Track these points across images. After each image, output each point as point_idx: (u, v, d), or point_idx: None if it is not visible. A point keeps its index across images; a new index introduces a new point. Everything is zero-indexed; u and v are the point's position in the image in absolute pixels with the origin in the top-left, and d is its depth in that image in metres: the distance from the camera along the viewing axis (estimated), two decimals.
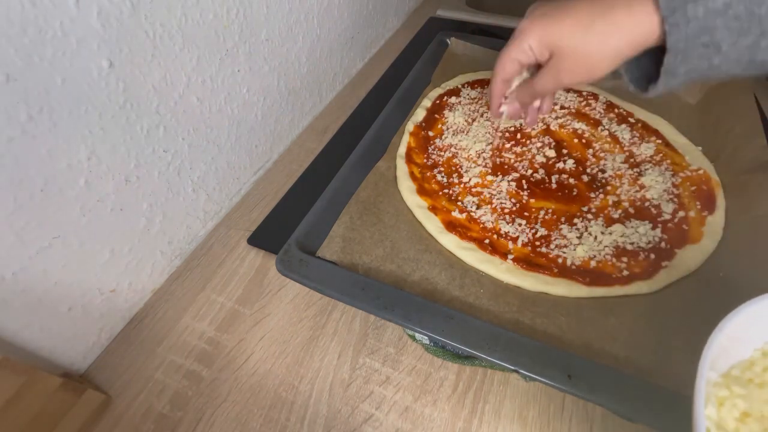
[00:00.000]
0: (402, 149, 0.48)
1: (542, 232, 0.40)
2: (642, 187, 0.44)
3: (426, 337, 0.35)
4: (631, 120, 0.52)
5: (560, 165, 0.47)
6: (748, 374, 0.23)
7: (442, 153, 0.49)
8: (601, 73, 0.32)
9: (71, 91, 0.29)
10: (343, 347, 0.38)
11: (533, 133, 0.51)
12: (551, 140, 0.50)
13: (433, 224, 0.41)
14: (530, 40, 0.34)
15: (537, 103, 0.42)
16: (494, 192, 0.44)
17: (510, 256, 0.38)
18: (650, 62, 0.31)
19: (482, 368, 0.36)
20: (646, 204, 0.43)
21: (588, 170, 0.46)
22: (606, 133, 0.50)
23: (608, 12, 0.30)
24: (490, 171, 0.47)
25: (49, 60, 0.27)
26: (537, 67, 0.37)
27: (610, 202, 0.43)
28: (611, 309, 0.35)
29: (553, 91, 0.37)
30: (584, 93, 0.56)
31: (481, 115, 0.53)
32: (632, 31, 0.29)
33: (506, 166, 0.47)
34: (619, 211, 0.42)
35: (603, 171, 0.46)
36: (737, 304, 0.23)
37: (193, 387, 0.36)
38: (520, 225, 0.41)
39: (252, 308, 0.41)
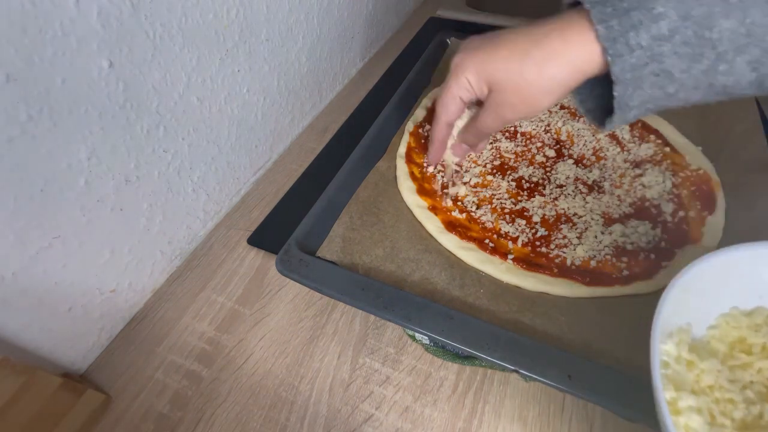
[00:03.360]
0: (402, 149, 0.48)
1: (542, 232, 0.40)
2: (642, 187, 0.44)
3: (426, 337, 0.35)
4: None
5: (560, 165, 0.47)
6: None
7: None
8: (544, 105, 0.30)
9: (71, 91, 0.29)
10: (343, 347, 0.38)
11: (533, 132, 0.51)
12: (551, 140, 0.50)
13: (433, 224, 0.41)
14: (467, 74, 0.32)
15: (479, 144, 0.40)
16: (494, 192, 0.44)
17: (510, 256, 0.38)
18: (604, 92, 0.29)
19: (482, 368, 0.36)
20: (646, 204, 0.43)
21: (588, 170, 0.46)
22: (606, 132, 0.50)
23: (543, 40, 0.28)
24: (490, 171, 0.47)
25: (49, 60, 0.27)
26: (478, 106, 0.35)
27: (610, 202, 0.43)
28: (611, 309, 0.35)
29: (498, 129, 0.35)
30: None
31: None
32: (571, 60, 0.27)
33: (506, 166, 0.47)
34: (619, 211, 0.42)
35: (603, 171, 0.46)
36: None
37: (193, 387, 0.36)
38: (520, 225, 0.41)
39: (252, 308, 0.41)
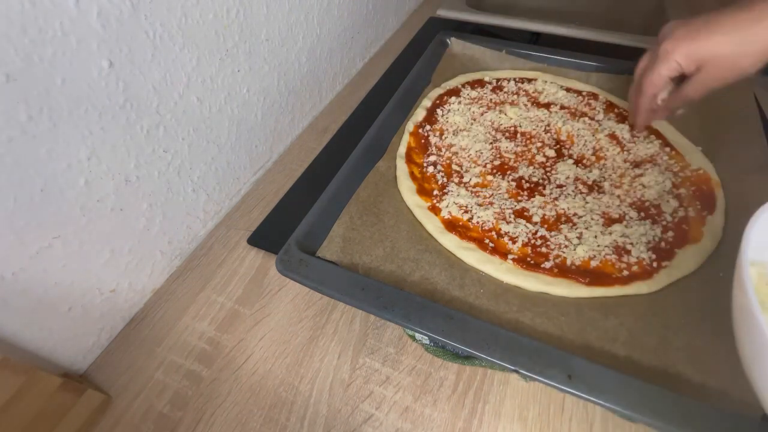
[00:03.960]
0: (402, 149, 0.48)
1: (542, 232, 0.40)
2: (642, 187, 0.44)
3: (426, 337, 0.35)
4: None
5: (560, 165, 0.47)
6: None
7: (442, 153, 0.49)
8: (748, 73, 0.37)
9: (71, 91, 0.29)
10: (343, 347, 0.38)
11: (533, 132, 0.51)
12: (551, 140, 0.50)
13: (433, 224, 0.41)
14: (678, 58, 0.38)
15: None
16: (494, 192, 0.44)
17: (510, 256, 0.38)
18: None
19: (482, 368, 0.36)
20: (646, 204, 0.43)
21: (588, 170, 0.46)
22: (606, 132, 0.50)
23: (756, 24, 0.35)
24: (490, 171, 0.47)
25: (49, 60, 0.27)
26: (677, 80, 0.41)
27: (610, 202, 0.43)
28: (611, 309, 0.35)
29: (702, 96, 0.41)
30: (584, 93, 0.56)
31: (481, 115, 0.53)
32: None
33: (506, 166, 0.47)
34: (619, 211, 0.42)
35: (603, 171, 0.46)
36: None
37: (193, 387, 0.36)
38: (519, 225, 0.41)
39: (252, 308, 0.41)
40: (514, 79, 0.58)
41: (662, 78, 0.41)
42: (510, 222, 0.41)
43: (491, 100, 0.55)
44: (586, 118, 0.52)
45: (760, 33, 0.35)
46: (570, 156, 0.48)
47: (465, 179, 0.45)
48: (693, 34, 0.38)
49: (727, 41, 0.36)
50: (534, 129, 0.51)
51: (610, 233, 0.40)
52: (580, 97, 0.55)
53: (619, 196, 0.43)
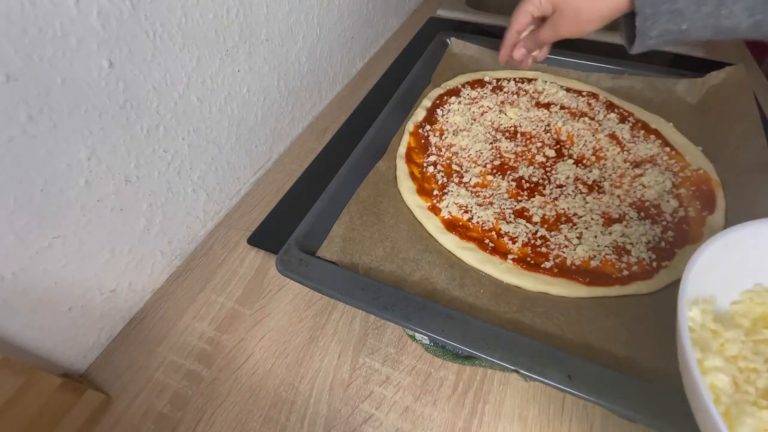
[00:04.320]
0: (402, 149, 0.48)
1: (542, 232, 0.40)
2: (642, 187, 0.44)
3: (426, 337, 0.35)
4: (631, 120, 0.52)
5: (560, 165, 0.47)
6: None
7: (442, 153, 0.49)
8: (589, 29, 0.41)
9: (71, 91, 0.29)
10: (343, 347, 0.38)
11: (533, 132, 0.51)
12: (551, 140, 0.50)
13: (433, 224, 0.41)
14: None
15: (536, 53, 0.51)
16: (494, 192, 0.44)
17: (510, 256, 0.38)
18: (632, 26, 0.39)
19: (482, 368, 0.36)
20: (646, 204, 0.43)
21: (588, 170, 0.46)
22: (606, 132, 0.50)
23: None
24: (490, 171, 0.47)
25: (49, 60, 0.27)
26: (540, 24, 0.46)
27: (610, 202, 0.43)
28: (611, 309, 0.35)
29: (552, 41, 0.46)
30: (584, 93, 0.56)
31: (481, 115, 0.53)
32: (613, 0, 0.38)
33: (506, 166, 0.47)
34: (619, 211, 0.42)
35: (603, 171, 0.46)
36: None
37: (193, 387, 0.36)
38: (519, 225, 0.41)
39: (252, 308, 0.41)
40: (514, 79, 0.58)
41: (526, 13, 0.44)
42: (510, 222, 0.41)
43: (491, 100, 0.55)
44: (586, 118, 0.52)
45: (596, 3, 0.39)
46: (570, 156, 0.48)
47: (465, 179, 0.45)
48: None
49: None
50: (534, 129, 0.51)
51: (610, 233, 0.40)
52: (580, 97, 0.55)
53: (619, 196, 0.43)
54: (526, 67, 0.55)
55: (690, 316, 0.23)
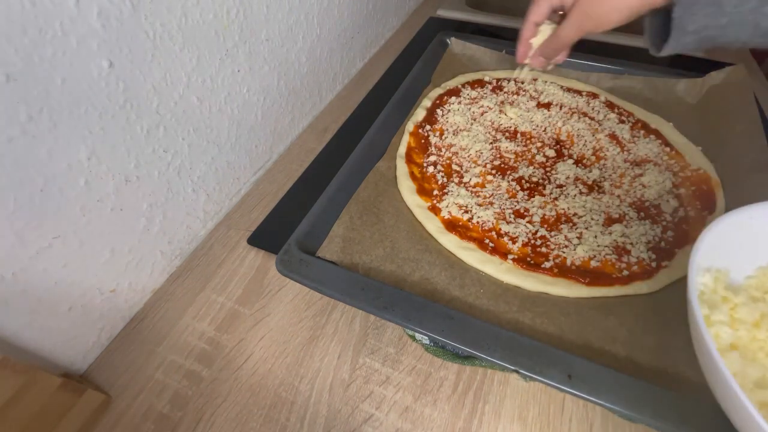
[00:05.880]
0: (402, 149, 0.48)
1: (542, 232, 0.40)
2: (642, 186, 0.44)
3: (426, 337, 0.35)
4: (631, 120, 0.52)
5: (560, 165, 0.47)
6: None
7: (442, 153, 0.49)
8: (614, 23, 0.37)
9: (71, 91, 0.29)
10: (343, 347, 0.38)
11: (533, 132, 0.51)
12: (551, 140, 0.50)
13: (433, 224, 0.41)
14: None
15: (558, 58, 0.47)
16: (494, 192, 0.44)
17: (510, 256, 0.38)
18: (663, 24, 0.36)
19: (482, 368, 0.36)
20: (646, 204, 0.43)
21: (588, 170, 0.46)
22: (606, 132, 0.50)
23: None
24: (490, 171, 0.47)
25: (49, 60, 0.27)
26: (559, 22, 0.43)
27: (610, 202, 0.43)
28: (611, 309, 0.35)
29: (575, 39, 0.42)
30: (584, 93, 0.56)
31: (481, 115, 0.53)
32: None
33: (506, 166, 0.47)
34: (619, 211, 0.42)
35: (603, 170, 0.46)
36: None
37: (193, 387, 0.36)
38: (520, 225, 0.41)
39: (252, 308, 0.41)
40: (514, 79, 0.58)
41: (544, 3, 0.42)
42: (510, 222, 0.41)
43: (491, 100, 0.55)
44: (586, 118, 0.52)
45: None
46: (570, 156, 0.48)
47: (465, 179, 0.45)
48: None
49: None
50: (534, 129, 0.51)
51: (610, 233, 0.40)
52: (580, 97, 0.55)
53: (619, 196, 0.43)
54: (542, 67, 0.52)
55: (702, 281, 0.23)
